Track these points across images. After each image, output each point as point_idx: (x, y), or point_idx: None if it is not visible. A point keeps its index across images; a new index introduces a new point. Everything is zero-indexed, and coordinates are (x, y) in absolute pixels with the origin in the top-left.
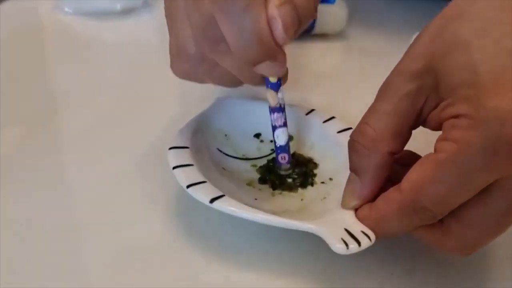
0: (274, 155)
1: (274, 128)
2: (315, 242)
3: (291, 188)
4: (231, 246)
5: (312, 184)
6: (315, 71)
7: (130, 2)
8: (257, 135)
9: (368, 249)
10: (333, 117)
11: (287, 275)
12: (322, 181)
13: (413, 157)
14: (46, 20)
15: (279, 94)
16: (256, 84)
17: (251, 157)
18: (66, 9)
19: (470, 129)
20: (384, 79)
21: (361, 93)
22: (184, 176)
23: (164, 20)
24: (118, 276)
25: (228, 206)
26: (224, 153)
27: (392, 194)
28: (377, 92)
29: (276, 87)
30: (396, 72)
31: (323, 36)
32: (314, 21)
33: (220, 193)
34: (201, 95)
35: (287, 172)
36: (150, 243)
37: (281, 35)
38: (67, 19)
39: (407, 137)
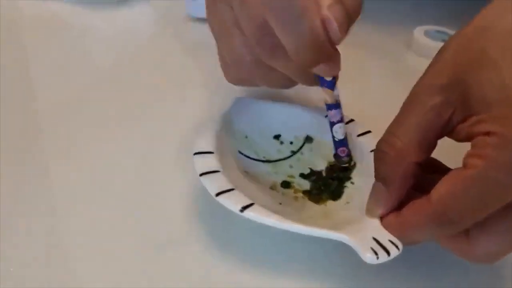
0: (294, 157)
1: (332, 124)
2: (336, 246)
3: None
4: (252, 247)
5: (339, 196)
6: None
7: None
8: (277, 137)
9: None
10: (352, 120)
11: (306, 277)
12: (344, 185)
13: (435, 164)
14: (39, 8)
15: (335, 91)
16: (312, 84)
17: (272, 159)
18: None
19: (500, 147)
20: (387, 77)
21: (363, 91)
22: (212, 184)
23: (161, 10)
24: (131, 267)
25: (259, 215)
26: (246, 155)
27: (420, 204)
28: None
29: (332, 85)
30: (420, 85)
31: None
32: None
33: (249, 201)
34: (199, 81)
35: (347, 165)
36: (165, 237)
37: (336, 35)
38: (62, 7)
39: (433, 147)
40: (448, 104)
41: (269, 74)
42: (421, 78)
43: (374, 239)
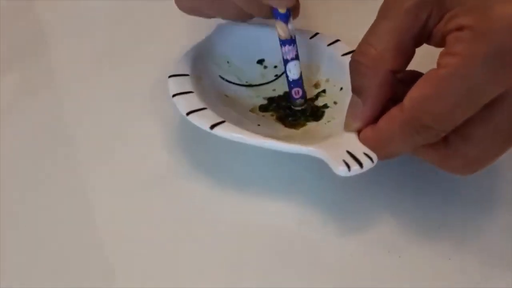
0: (278, 81)
1: (285, 61)
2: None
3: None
4: (236, 173)
5: (321, 116)
6: None
7: None
8: (260, 61)
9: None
10: (337, 40)
11: (291, 199)
12: (326, 104)
13: (418, 76)
14: None
15: (289, 26)
16: (265, 16)
17: (255, 83)
18: None
19: (474, 41)
20: None
21: (365, 12)
22: (184, 103)
23: None
24: (124, 208)
25: (228, 131)
26: (226, 80)
27: (393, 112)
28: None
29: (286, 18)
30: None
31: None
32: None
33: (220, 119)
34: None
35: (301, 107)
36: (153, 173)
37: None
38: None
39: (410, 54)
40: (424, 4)
41: (220, 3)
42: None
43: (348, 152)
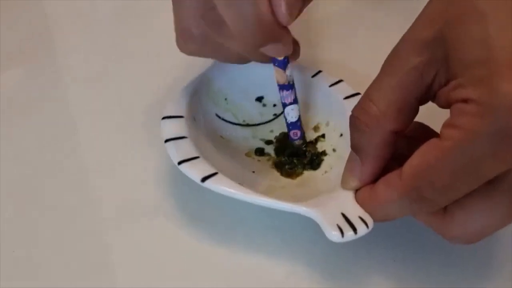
0: (276, 121)
1: (284, 105)
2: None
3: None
4: (229, 220)
5: (319, 165)
6: (320, 17)
7: None
8: (260, 99)
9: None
10: (340, 80)
11: (284, 255)
12: (325, 151)
13: (422, 129)
14: None
15: (288, 72)
16: (264, 62)
17: (252, 122)
18: None
19: (479, 116)
20: (393, 31)
21: (372, 46)
22: (176, 151)
23: None
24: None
25: (220, 185)
26: (223, 119)
27: (392, 178)
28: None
29: (284, 64)
30: (404, 41)
31: None
32: None
33: (212, 170)
34: None
35: (300, 147)
36: (142, 211)
37: (284, 17)
38: None
39: (414, 113)
40: (431, 63)
41: (218, 50)
42: (406, 32)
43: (343, 215)
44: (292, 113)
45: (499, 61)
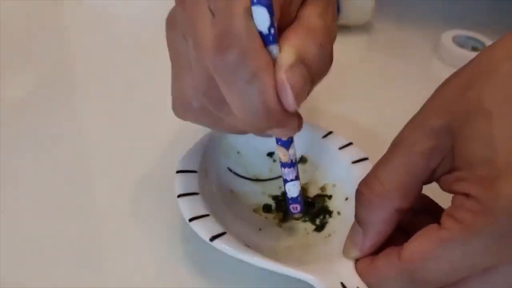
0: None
1: (285, 181)
2: None
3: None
4: (237, 278)
5: (323, 227)
6: (333, 69)
7: None
8: (271, 154)
9: None
10: (350, 143)
11: None
12: (331, 213)
13: (426, 201)
14: None
15: (291, 151)
16: (266, 136)
17: (262, 178)
18: None
19: (479, 214)
20: (407, 86)
21: (382, 97)
22: (187, 208)
23: None
24: None
25: (226, 246)
26: (234, 173)
27: (392, 256)
28: (391, 142)
29: (287, 144)
30: (413, 125)
31: (346, 28)
32: (338, 11)
33: (221, 230)
34: None
35: (299, 219)
36: (152, 269)
37: (291, 106)
38: None
39: (418, 193)
40: (438, 151)
41: (217, 124)
42: (415, 116)
43: (342, 284)
44: (293, 189)
45: (502, 163)
